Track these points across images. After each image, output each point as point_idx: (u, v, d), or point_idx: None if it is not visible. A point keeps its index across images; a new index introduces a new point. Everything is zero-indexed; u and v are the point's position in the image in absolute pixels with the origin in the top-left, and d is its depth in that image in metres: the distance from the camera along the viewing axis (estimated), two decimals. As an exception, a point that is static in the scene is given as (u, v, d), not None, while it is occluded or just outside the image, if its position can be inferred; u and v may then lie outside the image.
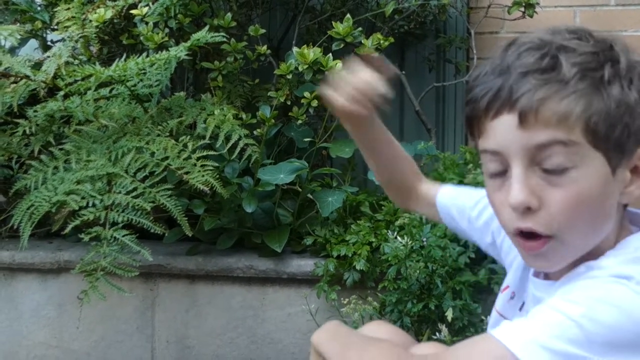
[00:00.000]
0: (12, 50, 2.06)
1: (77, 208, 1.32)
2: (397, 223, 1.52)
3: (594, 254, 0.68)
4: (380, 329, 0.94)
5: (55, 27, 1.89)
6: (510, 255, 0.86)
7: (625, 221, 0.72)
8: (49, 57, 1.64)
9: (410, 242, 1.44)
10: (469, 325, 1.41)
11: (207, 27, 1.59)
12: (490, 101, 0.66)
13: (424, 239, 1.47)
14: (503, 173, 0.68)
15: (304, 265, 1.63)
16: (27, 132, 1.64)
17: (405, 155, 0.97)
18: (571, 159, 0.64)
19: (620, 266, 0.64)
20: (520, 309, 0.81)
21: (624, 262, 0.65)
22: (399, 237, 1.44)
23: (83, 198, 1.33)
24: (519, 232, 0.68)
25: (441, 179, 1.66)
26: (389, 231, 1.50)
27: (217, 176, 1.44)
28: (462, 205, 0.93)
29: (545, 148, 0.64)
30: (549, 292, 0.71)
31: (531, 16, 1.90)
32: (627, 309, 0.60)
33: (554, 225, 0.65)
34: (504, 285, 0.85)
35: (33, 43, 2.14)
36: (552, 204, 0.65)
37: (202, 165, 1.41)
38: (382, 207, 1.67)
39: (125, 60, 1.46)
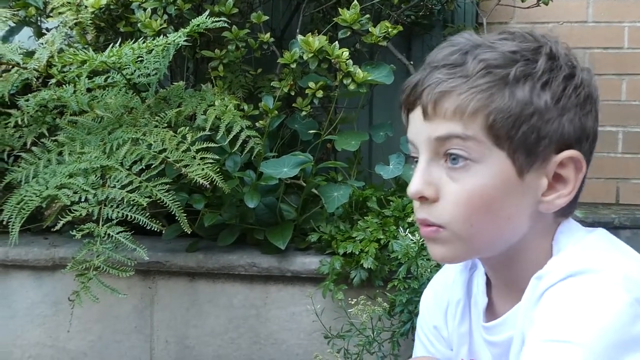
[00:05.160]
0: (5, 39, 2.00)
1: (68, 203, 1.25)
2: (409, 220, 1.45)
3: (531, 265, 0.66)
4: None
5: (50, 14, 1.82)
6: (457, 340, 0.81)
7: (561, 234, 0.69)
8: (41, 44, 1.57)
9: (421, 239, 1.37)
10: (482, 326, 1.34)
11: (207, 13, 1.52)
12: (408, 95, 0.69)
13: (435, 236, 1.40)
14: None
15: (308, 263, 1.57)
16: (20, 123, 1.58)
17: None
18: (470, 153, 0.65)
19: (570, 264, 0.62)
20: None
21: (570, 259, 0.64)
22: (409, 234, 1.37)
23: (75, 192, 1.26)
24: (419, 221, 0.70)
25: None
26: (400, 228, 1.44)
27: (218, 170, 1.37)
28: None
29: (444, 141, 0.65)
30: (514, 321, 0.68)
31: (546, 4, 1.83)
32: (603, 303, 0.57)
33: (445, 216, 0.66)
34: None
35: (28, 32, 2.08)
36: (447, 196, 0.66)
37: (201, 158, 1.35)
38: (390, 203, 1.60)
39: (120, 46, 1.39)
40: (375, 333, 1.39)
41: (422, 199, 0.67)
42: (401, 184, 1.71)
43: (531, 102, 0.64)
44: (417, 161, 0.69)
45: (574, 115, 0.66)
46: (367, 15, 1.67)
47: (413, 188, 0.67)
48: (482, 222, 0.66)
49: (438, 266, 1.35)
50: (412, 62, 1.94)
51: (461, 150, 0.65)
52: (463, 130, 0.64)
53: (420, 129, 0.67)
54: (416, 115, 0.68)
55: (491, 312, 0.75)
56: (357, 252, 1.47)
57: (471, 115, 0.64)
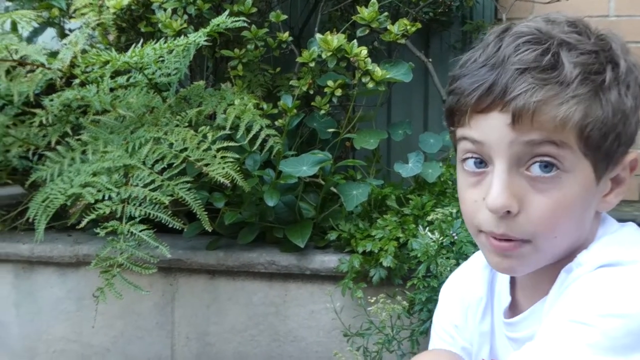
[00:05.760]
0: (30, 40, 2.03)
1: (92, 201, 1.27)
2: (428, 218, 1.44)
3: (567, 260, 0.65)
4: None
5: (73, 15, 1.85)
6: (478, 339, 0.79)
7: (598, 228, 0.68)
8: (65, 44, 1.60)
9: (441, 237, 1.37)
10: (502, 325, 1.33)
11: (226, 12, 1.53)
12: (481, 96, 0.61)
13: (455, 234, 1.39)
14: (481, 170, 0.64)
15: (327, 261, 1.57)
16: (44, 122, 1.61)
17: None
18: (562, 163, 0.61)
19: (601, 257, 0.61)
20: None
21: (601, 253, 0.62)
22: (429, 233, 1.36)
23: (99, 191, 1.28)
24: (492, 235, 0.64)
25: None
26: (420, 226, 1.43)
27: (238, 168, 1.38)
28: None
29: (535, 146, 0.60)
30: (538, 316, 0.67)
31: (567, -1, 1.80)
32: (630, 293, 0.57)
33: (530, 230, 0.62)
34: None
35: (51, 32, 2.11)
36: (531, 209, 0.62)
37: (222, 157, 1.35)
38: (410, 201, 1.60)
39: (142, 46, 1.41)
40: (394, 331, 1.38)
41: (506, 213, 0.62)
42: (420, 182, 1.70)
43: (619, 108, 0.62)
44: (475, 161, 0.64)
45: (638, 114, 0.65)
46: (386, 13, 1.66)
47: (499, 202, 0.61)
48: (563, 233, 0.63)
49: (457, 265, 1.35)
50: (430, 60, 1.93)
51: (554, 159, 0.60)
52: (560, 138, 0.60)
53: (501, 135, 0.61)
54: (494, 119, 0.61)
55: (513, 310, 0.74)
56: (376, 251, 1.47)
57: (572, 126, 0.60)
